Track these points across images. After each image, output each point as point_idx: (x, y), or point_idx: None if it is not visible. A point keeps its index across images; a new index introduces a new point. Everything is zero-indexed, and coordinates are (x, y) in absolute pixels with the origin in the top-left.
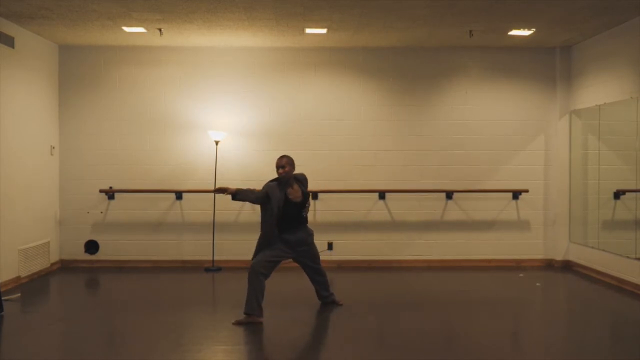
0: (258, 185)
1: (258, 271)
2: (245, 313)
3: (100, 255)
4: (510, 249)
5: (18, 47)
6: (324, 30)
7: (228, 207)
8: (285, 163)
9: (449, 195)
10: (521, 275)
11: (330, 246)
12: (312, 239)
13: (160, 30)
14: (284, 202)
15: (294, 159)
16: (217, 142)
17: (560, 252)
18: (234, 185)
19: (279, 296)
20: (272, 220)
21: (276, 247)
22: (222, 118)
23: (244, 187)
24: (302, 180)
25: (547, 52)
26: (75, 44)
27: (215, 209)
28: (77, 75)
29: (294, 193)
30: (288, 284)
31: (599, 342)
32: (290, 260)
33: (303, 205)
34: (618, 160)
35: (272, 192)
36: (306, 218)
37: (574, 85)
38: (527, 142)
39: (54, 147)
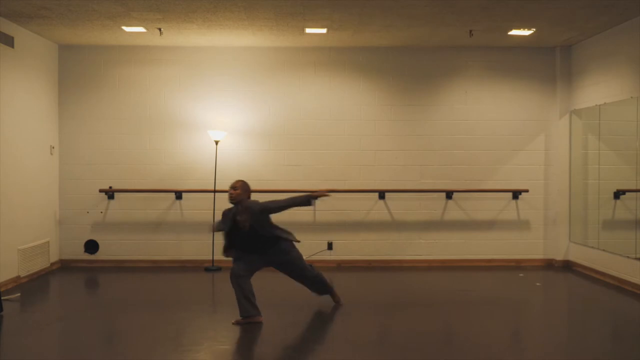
0: (258, 184)
1: (238, 274)
2: (241, 316)
3: (99, 255)
4: (510, 248)
5: (18, 46)
6: (324, 30)
7: (228, 207)
8: (238, 186)
9: (449, 195)
10: (521, 275)
11: (330, 246)
12: (287, 254)
13: (160, 30)
14: (234, 228)
15: (292, 159)
16: (216, 142)
17: (560, 252)
18: None
19: (278, 296)
20: (239, 245)
21: (254, 258)
22: (222, 117)
23: None
24: (250, 207)
25: (547, 51)
26: (75, 44)
27: (215, 208)
28: (77, 74)
29: (243, 223)
30: (286, 284)
31: (599, 342)
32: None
33: (253, 234)
34: (618, 160)
35: (223, 219)
36: (277, 237)
37: (574, 84)
38: (527, 142)
39: (53, 147)
